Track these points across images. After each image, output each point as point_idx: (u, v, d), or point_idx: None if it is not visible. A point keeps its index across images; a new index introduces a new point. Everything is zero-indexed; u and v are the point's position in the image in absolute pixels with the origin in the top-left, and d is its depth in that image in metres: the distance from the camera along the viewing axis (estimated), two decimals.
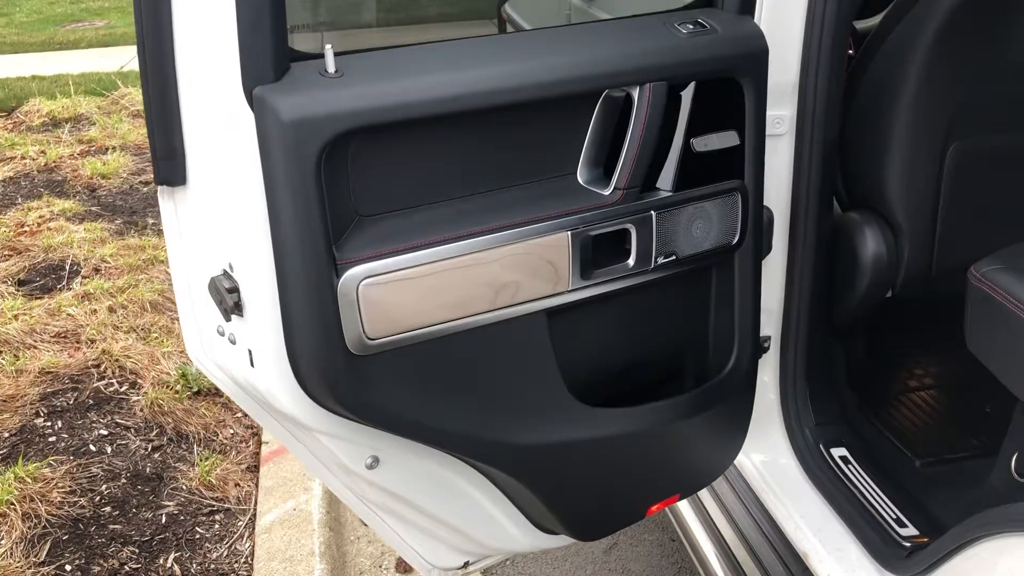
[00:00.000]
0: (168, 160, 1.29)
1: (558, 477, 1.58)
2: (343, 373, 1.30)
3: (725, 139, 1.61)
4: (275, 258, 1.26)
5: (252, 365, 1.34)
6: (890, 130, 1.87)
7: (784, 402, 2.01)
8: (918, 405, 2.11)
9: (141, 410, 3.19)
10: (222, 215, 1.29)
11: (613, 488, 1.68)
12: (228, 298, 1.29)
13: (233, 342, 1.37)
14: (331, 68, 1.25)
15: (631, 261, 1.53)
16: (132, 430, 3.12)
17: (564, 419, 1.54)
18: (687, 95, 1.54)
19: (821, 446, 1.97)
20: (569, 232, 1.44)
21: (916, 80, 1.81)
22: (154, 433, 3.11)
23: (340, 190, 1.28)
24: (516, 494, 1.66)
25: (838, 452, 1.95)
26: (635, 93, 1.46)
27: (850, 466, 1.91)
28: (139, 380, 3.35)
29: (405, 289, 1.31)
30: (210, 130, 1.26)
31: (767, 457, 2.00)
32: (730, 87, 1.59)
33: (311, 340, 1.27)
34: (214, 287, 1.31)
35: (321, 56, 1.26)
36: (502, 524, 1.69)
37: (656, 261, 1.56)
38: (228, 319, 1.32)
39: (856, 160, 1.96)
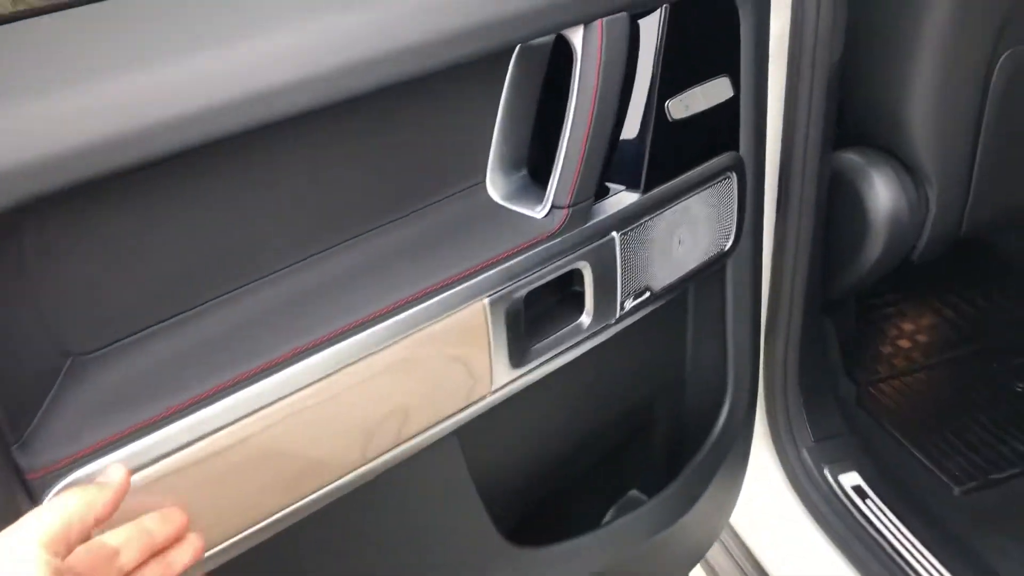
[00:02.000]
0: None
1: None
2: None
3: (714, 92, 1.00)
4: None
5: None
6: (917, 38, 1.28)
7: (771, 413, 1.49)
8: (932, 391, 1.64)
9: None
10: None
11: None
12: None
13: None
14: None
15: (586, 318, 0.93)
16: None
17: None
18: (654, 28, 0.91)
19: (826, 472, 1.47)
20: (487, 299, 0.83)
21: None
22: None
23: (20, 317, 0.62)
24: None
25: (848, 480, 1.46)
26: (576, 38, 0.83)
27: (868, 501, 1.42)
28: None
29: (192, 484, 0.68)
30: None
31: (754, 492, 1.49)
32: (719, 7, 0.98)
33: None
34: None
35: None
36: None
37: (623, 307, 0.97)
38: None
39: (863, 83, 1.38)
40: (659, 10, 0.90)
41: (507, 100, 0.86)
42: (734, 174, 1.04)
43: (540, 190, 0.88)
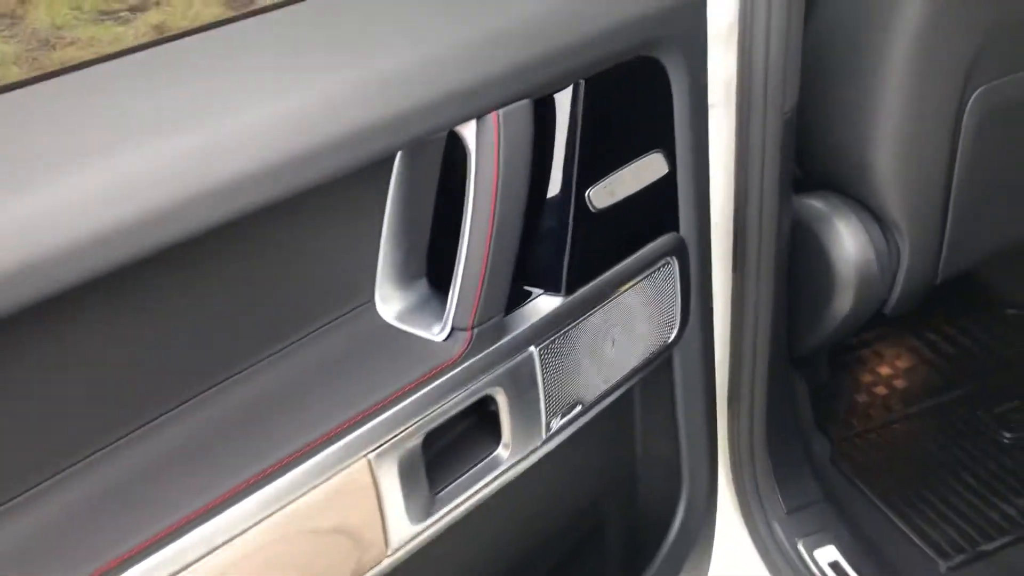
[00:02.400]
0: None
1: None
2: None
3: (644, 171, 0.86)
4: None
5: None
6: (881, 80, 1.16)
7: (739, 485, 1.36)
8: (912, 445, 1.51)
9: None
10: None
11: None
12: None
13: None
14: None
15: (504, 450, 0.80)
16: None
17: None
18: (567, 109, 0.78)
19: (800, 546, 1.34)
20: (372, 455, 0.69)
21: None
22: None
23: None
24: None
25: (825, 555, 1.33)
26: (468, 133, 0.69)
27: None
28: None
29: None
30: None
31: (725, 570, 1.36)
32: (645, 73, 0.84)
33: None
34: None
35: None
36: None
37: (549, 428, 0.83)
38: None
39: (824, 126, 1.25)
40: (571, 87, 0.77)
41: (395, 201, 0.73)
42: (674, 258, 0.91)
43: (442, 304, 0.75)
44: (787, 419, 1.40)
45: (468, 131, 0.69)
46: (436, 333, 0.74)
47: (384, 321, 0.75)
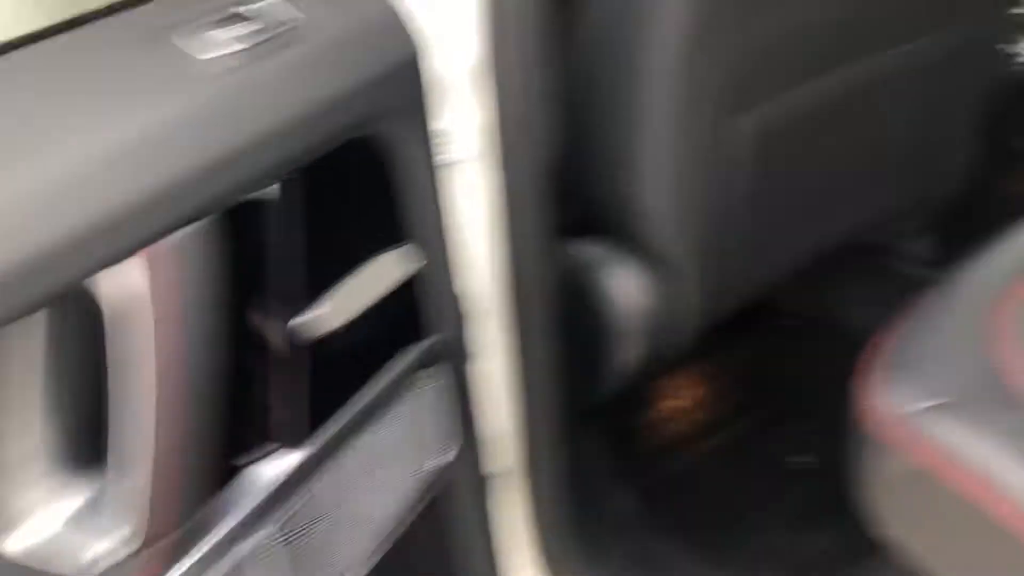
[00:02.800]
0: None
1: None
2: None
3: (380, 275, 0.69)
4: None
5: None
6: (644, 110, 1.04)
7: (553, 569, 1.22)
8: (718, 485, 1.42)
9: None
10: None
11: None
12: None
13: None
14: None
15: None
16: None
17: None
18: (263, 219, 0.60)
19: None
20: None
21: (686, 9, 0.98)
22: None
23: None
24: None
25: None
26: (104, 289, 0.50)
27: None
28: None
29: None
30: None
31: None
32: (363, 155, 0.67)
33: None
34: None
35: None
36: None
37: None
38: None
39: (590, 167, 1.13)
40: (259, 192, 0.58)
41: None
42: (436, 367, 0.75)
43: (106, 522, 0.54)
44: (589, 482, 1.28)
45: (103, 285, 0.49)
46: (87, 566, 0.52)
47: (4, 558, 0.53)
